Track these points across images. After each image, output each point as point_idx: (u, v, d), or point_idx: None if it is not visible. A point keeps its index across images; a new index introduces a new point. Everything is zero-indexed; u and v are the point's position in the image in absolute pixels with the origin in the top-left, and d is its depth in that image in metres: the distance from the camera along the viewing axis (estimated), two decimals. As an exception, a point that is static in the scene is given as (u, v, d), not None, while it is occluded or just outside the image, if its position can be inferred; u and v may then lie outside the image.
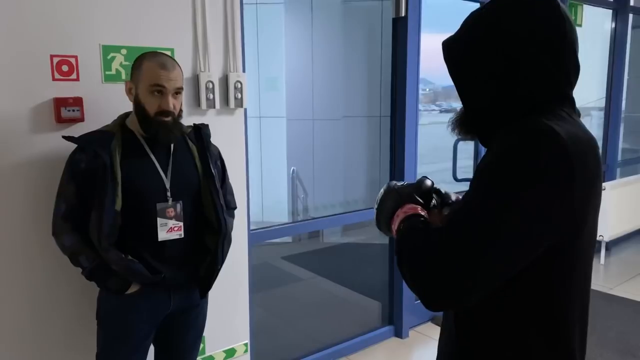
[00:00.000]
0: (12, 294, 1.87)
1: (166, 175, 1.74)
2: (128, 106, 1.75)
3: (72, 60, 1.88)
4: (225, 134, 2.28)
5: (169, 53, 2.06)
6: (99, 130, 1.73)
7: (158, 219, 1.71)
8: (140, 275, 1.70)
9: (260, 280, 3.00)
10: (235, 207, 2.05)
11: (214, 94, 2.20)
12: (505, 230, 0.84)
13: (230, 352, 2.45)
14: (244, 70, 2.31)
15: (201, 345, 2.33)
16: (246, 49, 2.33)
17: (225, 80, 2.25)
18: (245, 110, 2.35)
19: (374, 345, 3.24)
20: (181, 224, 1.76)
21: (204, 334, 2.31)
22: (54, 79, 1.85)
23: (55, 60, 1.84)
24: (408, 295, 3.28)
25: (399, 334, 3.31)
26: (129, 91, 1.72)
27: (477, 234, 0.85)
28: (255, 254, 2.50)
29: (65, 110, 1.85)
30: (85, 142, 1.67)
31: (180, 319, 1.88)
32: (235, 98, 2.27)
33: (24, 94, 1.80)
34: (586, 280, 1.01)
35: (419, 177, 1.16)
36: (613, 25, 4.85)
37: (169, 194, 1.73)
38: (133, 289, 1.72)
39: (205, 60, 2.19)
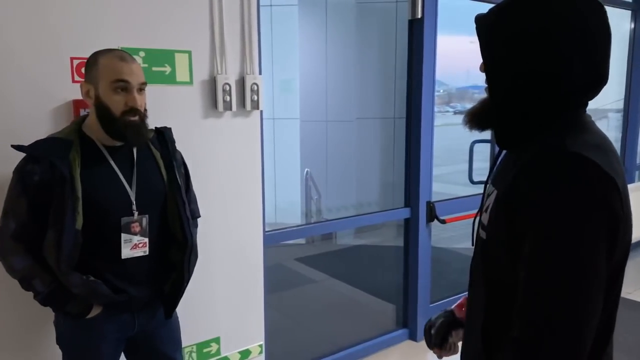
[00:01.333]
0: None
1: (131, 187, 1.58)
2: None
3: (92, 62, 1.89)
4: (241, 136, 2.29)
5: (186, 55, 2.08)
6: (52, 137, 1.54)
7: (122, 234, 1.55)
8: (104, 297, 1.54)
9: (274, 282, 3.00)
10: (199, 216, 1.89)
11: (230, 96, 2.21)
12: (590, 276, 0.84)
13: (245, 354, 2.46)
14: (260, 73, 2.32)
15: (216, 346, 2.34)
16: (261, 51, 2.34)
17: (242, 82, 2.26)
18: (262, 112, 2.35)
19: (388, 348, 3.22)
20: (146, 239, 1.61)
21: (219, 334, 2.33)
22: (73, 81, 1.86)
23: (75, 62, 1.86)
24: (423, 297, 3.26)
25: (413, 337, 3.29)
26: (86, 94, 1.54)
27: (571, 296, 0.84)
28: (268, 255, 2.50)
29: (84, 112, 1.86)
30: (39, 152, 1.48)
31: (150, 338, 1.74)
32: (252, 100, 2.27)
33: (44, 95, 1.82)
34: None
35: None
36: (632, 26, 4.78)
37: (134, 207, 1.57)
38: (95, 311, 1.57)
39: (222, 63, 2.20)
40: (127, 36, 1.96)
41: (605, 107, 5.19)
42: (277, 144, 5.67)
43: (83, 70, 1.60)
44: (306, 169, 5.77)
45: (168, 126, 1.77)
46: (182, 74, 2.09)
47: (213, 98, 2.19)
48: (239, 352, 2.44)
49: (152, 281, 1.67)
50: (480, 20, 1.01)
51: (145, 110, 1.59)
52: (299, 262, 4.95)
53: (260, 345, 2.51)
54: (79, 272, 1.51)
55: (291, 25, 5.70)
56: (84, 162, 1.51)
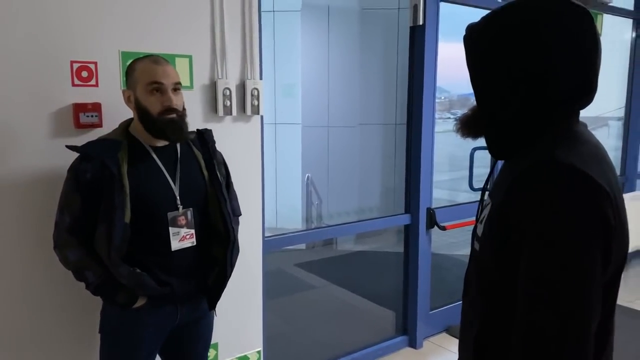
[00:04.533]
0: (27, 303, 1.88)
1: (175, 183, 1.69)
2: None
3: (92, 66, 1.90)
4: (241, 141, 2.29)
5: (187, 60, 2.09)
6: (103, 138, 1.66)
7: (170, 228, 1.65)
8: (150, 289, 1.64)
9: (273, 287, 2.99)
10: (240, 214, 1.98)
11: (231, 101, 2.21)
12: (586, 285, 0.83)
13: (243, 360, 2.45)
14: (261, 78, 2.32)
15: (214, 352, 2.33)
16: (263, 56, 2.33)
17: (242, 87, 2.26)
18: (262, 117, 2.35)
19: (388, 355, 3.20)
20: (193, 231, 1.71)
21: (217, 340, 2.31)
22: (73, 85, 1.86)
23: (75, 66, 1.86)
24: (423, 304, 3.24)
25: (413, 344, 3.27)
26: (127, 100, 1.66)
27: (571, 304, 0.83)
28: (268, 261, 2.49)
29: (84, 115, 1.86)
30: (91, 151, 1.60)
31: (187, 331, 1.83)
32: (252, 105, 2.27)
33: (44, 99, 1.82)
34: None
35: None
36: (633, 35, 4.78)
37: (178, 201, 1.68)
38: (140, 302, 1.66)
39: (223, 67, 2.20)
40: (128, 40, 1.96)
41: (606, 115, 5.18)
42: (279, 149, 5.68)
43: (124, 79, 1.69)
44: (307, 174, 5.77)
45: (209, 128, 1.85)
46: (182, 79, 2.07)
47: (213, 103, 2.19)
48: (237, 359, 2.42)
49: (194, 275, 1.76)
50: (469, 27, 1.01)
51: (184, 109, 1.68)
52: (298, 268, 4.93)
53: (259, 352, 2.50)
54: (127, 265, 1.60)
55: (294, 30, 5.72)
56: (131, 160, 1.62)
